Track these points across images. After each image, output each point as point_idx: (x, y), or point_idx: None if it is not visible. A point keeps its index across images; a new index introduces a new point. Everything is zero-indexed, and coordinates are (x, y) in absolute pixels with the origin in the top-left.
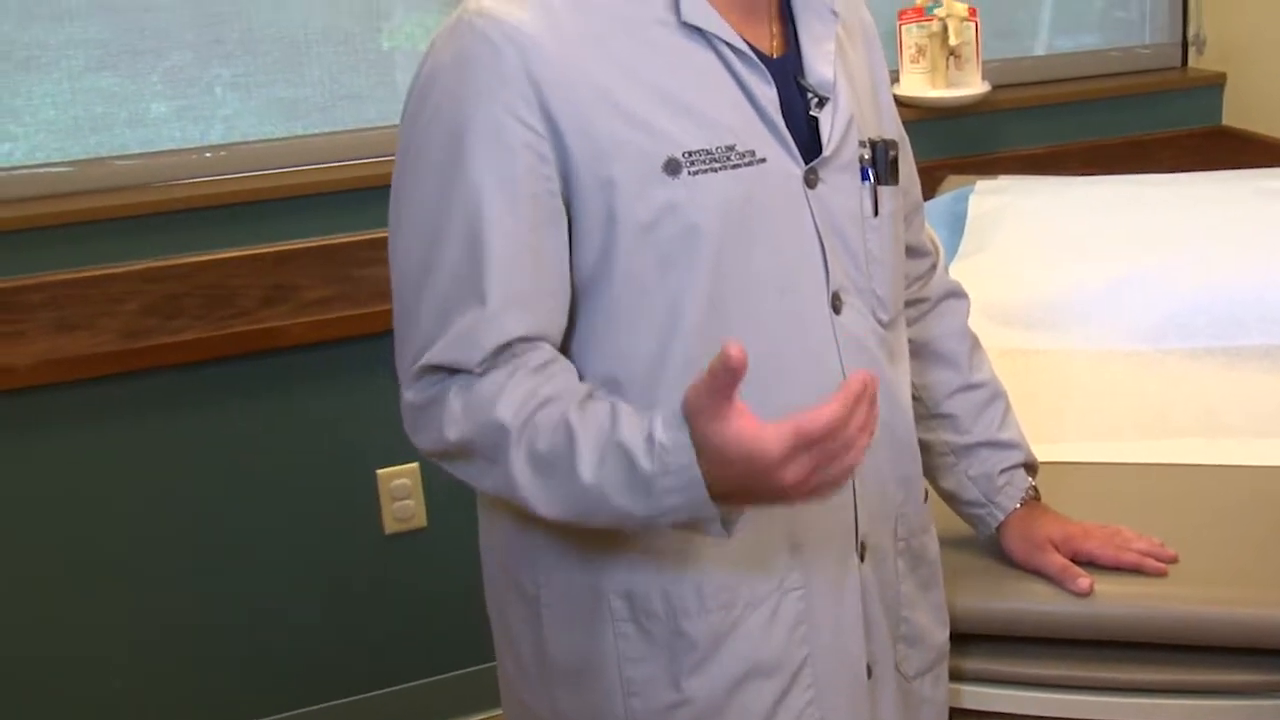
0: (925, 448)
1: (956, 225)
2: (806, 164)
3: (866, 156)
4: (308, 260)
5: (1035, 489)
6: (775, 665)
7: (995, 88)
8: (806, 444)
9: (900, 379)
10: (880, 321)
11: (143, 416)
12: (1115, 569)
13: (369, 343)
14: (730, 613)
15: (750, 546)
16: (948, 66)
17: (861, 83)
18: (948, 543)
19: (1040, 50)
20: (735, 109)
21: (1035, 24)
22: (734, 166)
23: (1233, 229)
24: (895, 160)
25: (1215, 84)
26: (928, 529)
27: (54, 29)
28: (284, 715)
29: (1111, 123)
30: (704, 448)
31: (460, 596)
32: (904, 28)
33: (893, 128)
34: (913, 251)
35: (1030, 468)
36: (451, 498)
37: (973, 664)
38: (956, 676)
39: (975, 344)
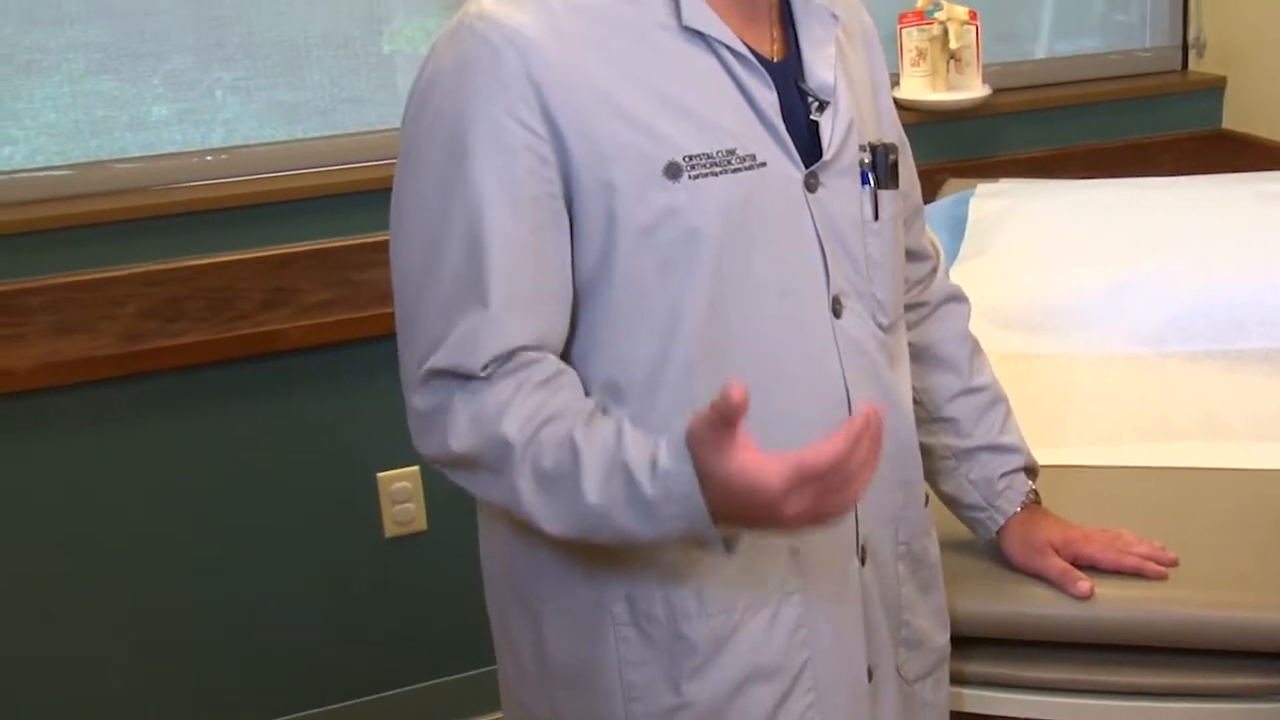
0: (926, 451)
1: (957, 229)
2: (807, 168)
3: (867, 160)
4: (308, 263)
5: (1036, 493)
6: (776, 669)
7: (996, 91)
8: (807, 480)
9: (900, 383)
10: (880, 325)
11: (143, 420)
12: (1116, 572)
13: (369, 346)
14: (731, 617)
15: (751, 551)
16: (948, 70)
17: (862, 86)
18: (948, 546)
19: (1040, 54)
20: (736, 113)
21: (1035, 27)
22: (734, 170)
23: (1233, 232)
24: (895, 164)
25: (1215, 87)
26: (928, 532)
27: (55, 32)
28: (284, 718)
29: (1112, 126)
30: (706, 478)
31: (460, 599)
32: (904, 31)
33: (893, 131)
34: (913, 255)
35: (1031, 471)
36: (452, 501)
37: (974, 667)
38: (957, 680)
39: (976, 348)
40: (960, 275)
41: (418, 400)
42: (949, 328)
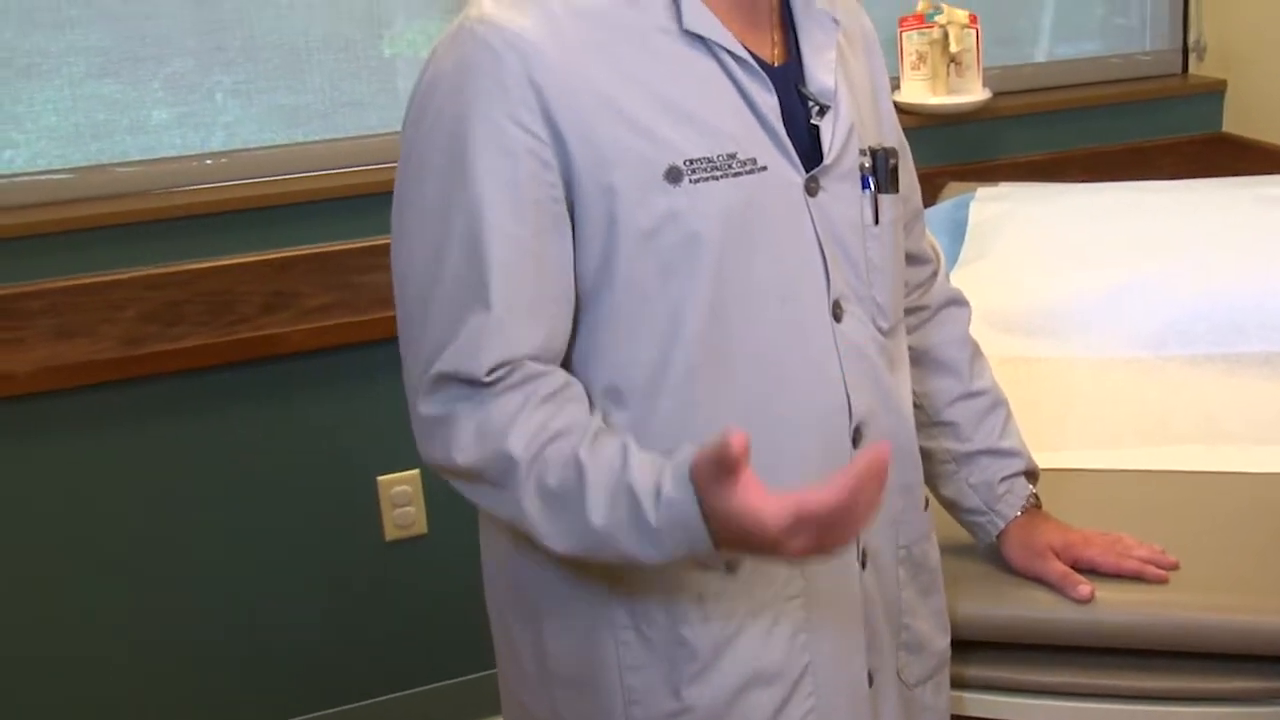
0: (926, 455)
1: (957, 232)
2: (807, 172)
3: (867, 165)
4: (308, 267)
5: (1036, 496)
6: (776, 674)
7: (996, 95)
8: (807, 522)
9: (900, 387)
10: (880, 329)
11: (143, 423)
12: (1116, 576)
13: (370, 349)
14: (731, 621)
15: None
16: (948, 73)
17: (862, 90)
18: (948, 550)
19: (1041, 57)
20: (736, 117)
21: (1036, 31)
22: (735, 174)
23: (1233, 236)
24: (895, 168)
25: (1216, 91)
26: (928, 536)
27: (55, 36)
28: None
29: (1112, 129)
30: (708, 509)
31: (460, 603)
32: (905, 35)
33: (893, 135)
34: (913, 259)
35: (1031, 475)
36: (452, 504)
37: (974, 671)
38: (958, 684)
39: (976, 351)
40: (960, 279)
41: (423, 406)
42: (949, 331)
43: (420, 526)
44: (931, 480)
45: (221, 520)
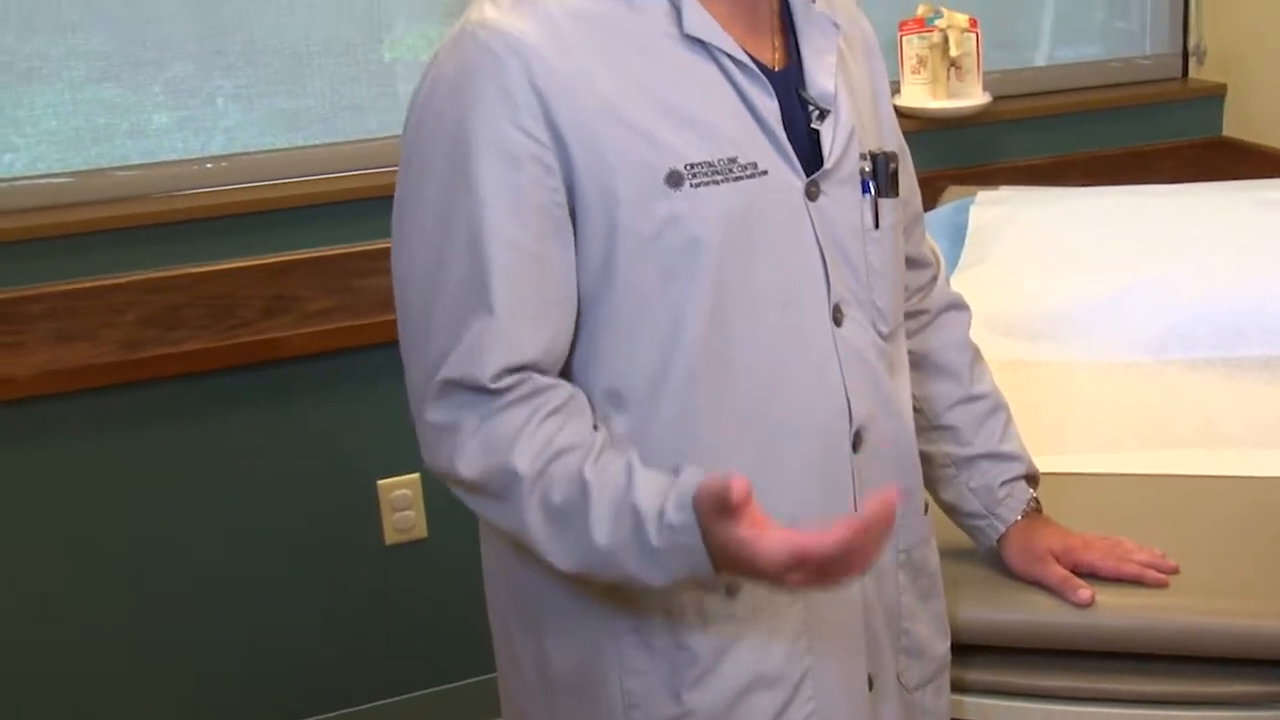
0: (926, 459)
1: (957, 236)
2: (808, 176)
3: (867, 169)
4: (309, 271)
5: (1036, 500)
6: (776, 677)
7: (996, 98)
8: (805, 562)
9: (900, 391)
10: (880, 334)
11: (143, 427)
12: (1116, 580)
13: (370, 353)
14: (731, 625)
15: None
16: (948, 77)
17: (862, 95)
18: (948, 554)
19: (1041, 61)
20: (737, 121)
21: (1036, 35)
22: (735, 179)
23: (1233, 240)
24: (895, 172)
25: (1216, 95)
26: (928, 540)
27: (56, 40)
28: None
29: (1112, 133)
30: (709, 538)
31: (461, 607)
32: (905, 39)
33: (893, 139)
34: (913, 263)
35: (1031, 479)
36: (452, 508)
37: (974, 675)
38: (958, 688)
39: (976, 355)
40: (960, 283)
41: (429, 413)
42: (949, 335)
43: (420, 530)
44: (931, 484)
45: (221, 524)
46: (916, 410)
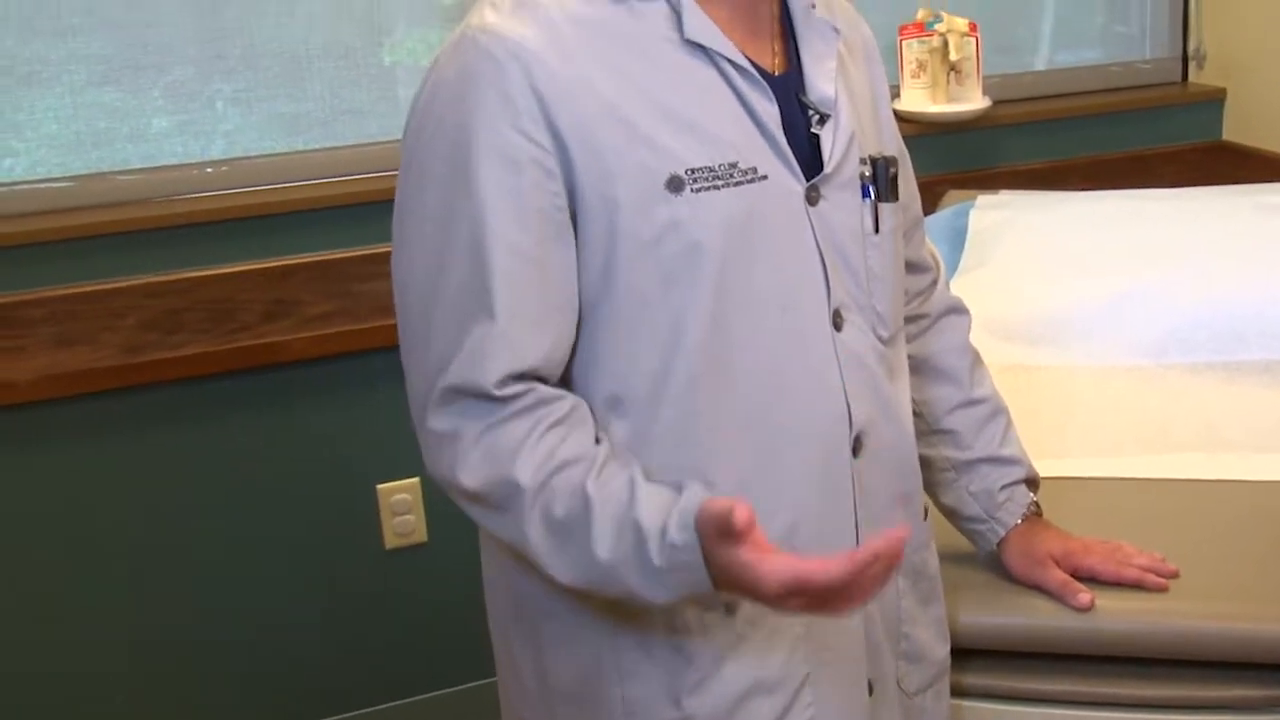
0: (926, 463)
1: (957, 240)
2: (808, 181)
3: (867, 173)
4: (309, 275)
5: (1037, 504)
6: (776, 683)
7: (996, 103)
8: (805, 590)
9: (900, 395)
10: (880, 338)
11: (143, 431)
12: (1116, 584)
13: (370, 358)
14: (731, 631)
15: None
16: (948, 82)
17: (862, 99)
18: (948, 558)
19: (1041, 65)
20: (737, 126)
21: (1036, 39)
22: (736, 184)
23: (1233, 244)
24: (895, 177)
25: (1215, 99)
26: (928, 545)
27: (56, 44)
28: None
29: (1112, 137)
30: (710, 559)
31: (460, 611)
32: (905, 43)
33: (893, 144)
34: (913, 267)
35: (1032, 483)
36: (452, 513)
37: (974, 679)
38: (958, 692)
39: (976, 359)
40: (960, 287)
41: (432, 420)
42: (949, 339)
43: (420, 535)
44: (931, 488)
45: (222, 528)
46: (916, 414)
